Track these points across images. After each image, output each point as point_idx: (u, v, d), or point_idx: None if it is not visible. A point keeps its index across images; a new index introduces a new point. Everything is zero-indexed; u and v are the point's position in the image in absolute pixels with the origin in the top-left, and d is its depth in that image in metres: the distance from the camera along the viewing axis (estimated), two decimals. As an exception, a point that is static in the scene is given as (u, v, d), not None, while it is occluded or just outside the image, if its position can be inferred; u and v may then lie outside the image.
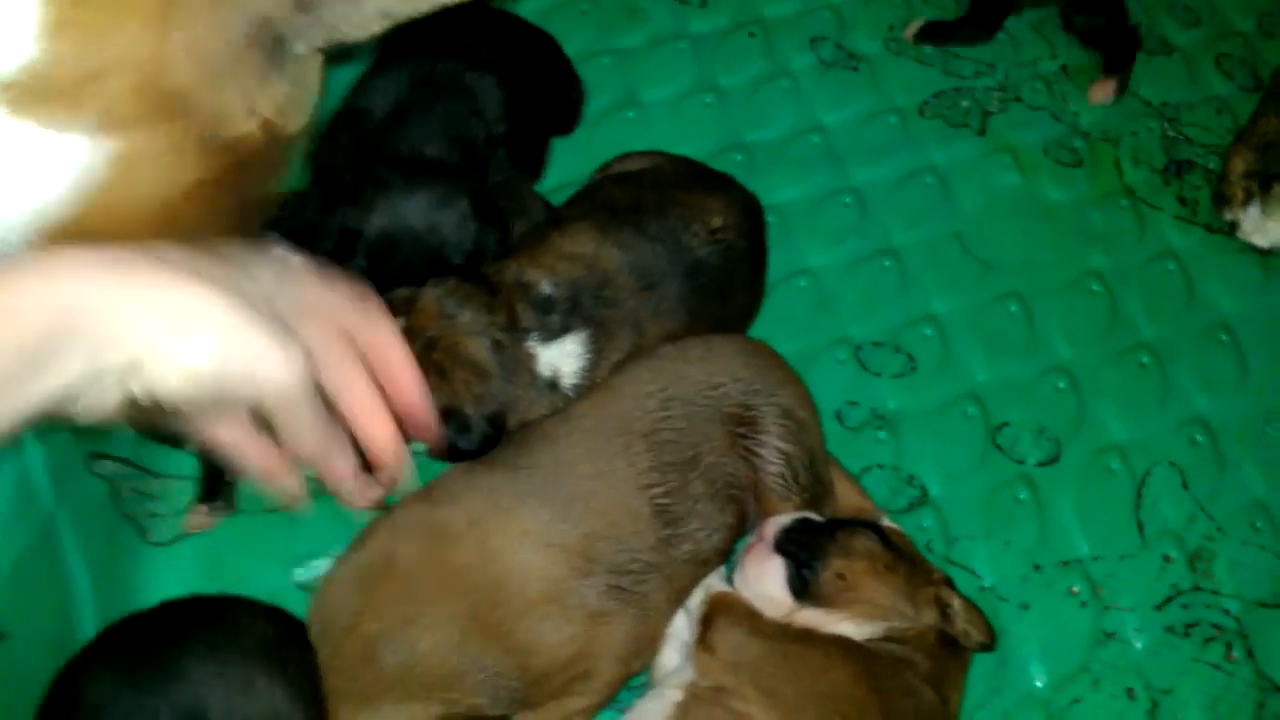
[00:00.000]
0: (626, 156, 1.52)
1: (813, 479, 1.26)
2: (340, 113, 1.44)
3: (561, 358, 1.24)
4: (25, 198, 0.69)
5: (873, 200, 1.67)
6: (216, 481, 1.29)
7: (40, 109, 0.66)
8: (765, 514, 1.22)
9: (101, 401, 0.65)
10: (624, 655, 1.14)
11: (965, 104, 1.77)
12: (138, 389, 0.64)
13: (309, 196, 1.40)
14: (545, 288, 1.25)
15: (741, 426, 1.25)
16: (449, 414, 1.18)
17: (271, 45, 0.74)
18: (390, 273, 1.26)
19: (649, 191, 1.38)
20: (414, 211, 1.28)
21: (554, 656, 1.10)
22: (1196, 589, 1.39)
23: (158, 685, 1.01)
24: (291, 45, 0.77)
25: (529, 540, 1.12)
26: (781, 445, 1.24)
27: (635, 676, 1.21)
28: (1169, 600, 1.38)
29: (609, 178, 1.46)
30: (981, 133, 1.75)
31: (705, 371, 1.25)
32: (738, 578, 1.19)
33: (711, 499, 1.21)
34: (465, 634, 1.06)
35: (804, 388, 1.32)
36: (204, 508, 1.28)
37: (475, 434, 1.19)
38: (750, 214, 1.43)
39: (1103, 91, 1.77)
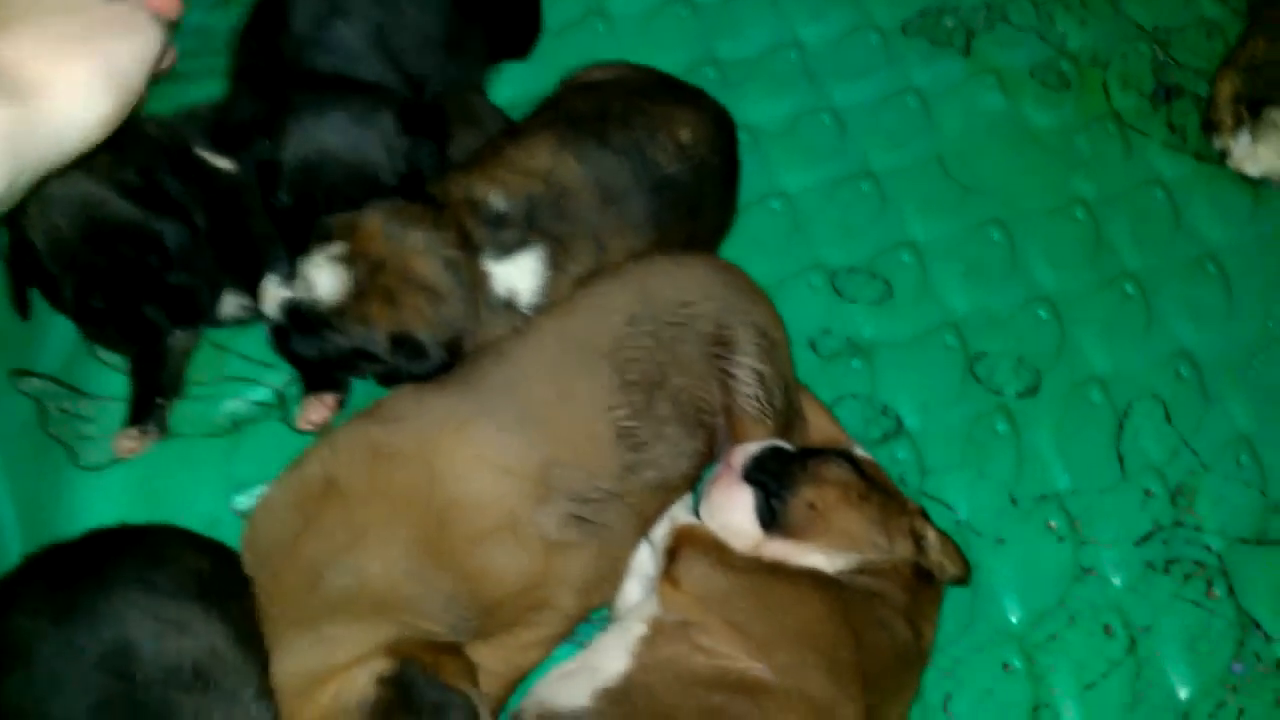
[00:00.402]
0: (592, 68, 1.43)
1: (786, 403, 1.20)
2: (254, 13, 1.35)
3: (518, 275, 1.17)
4: None
5: (851, 121, 1.59)
6: (147, 402, 1.22)
7: None
8: (736, 440, 1.16)
9: None
10: (582, 587, 1.08)
11: (949, 22, 1.69)
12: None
13: (234, 98, 1.31)
14: (497, 203, 1.17)
15: (717, 346, 1.18)
16: (401, 340, 1.11)
17: None
18: (318, 203, 1.17)
19: (614, 100, 1.30)
20: (332, 133, 1.17)
21: (507, 586, 1.03)
22: (1178, 524, 1.34)
23: (84, 623, 0.94)
24: None
25: (482, 465, 1.05)
26: (756, 365, 1.18)
27: (596, 610, 1.15)
28: (1149, 536, 1.33)
29: (572, 87, 1.38)
30: (966, 53, 1.67)
31: (675, 288, 1.19)
32: (704, 507, 1.13)
33: (679, 422, 1.14)
34: (414, 558, 1.00)
35: (775, 309, 1.26)
36: (134, 430, 1.20)
37: (431, 361, 1.12)
38: (722, 128, 1.35)
39: None
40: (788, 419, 1.19)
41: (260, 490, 1.17)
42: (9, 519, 1.12)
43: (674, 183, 1.26)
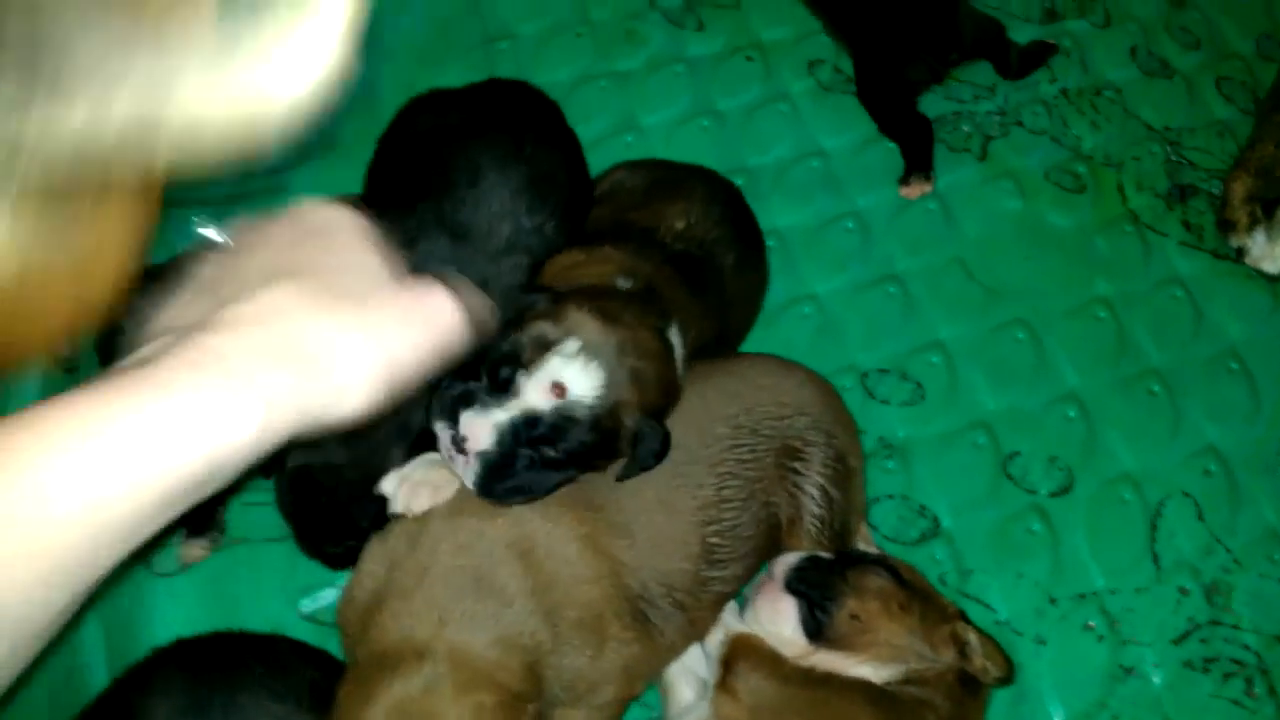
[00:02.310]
0: (599, 178, 1.48)
1: (844, 529, 1.22)
2: None
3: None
4: None
5: (875, 226, 1.64)
6: (203, 512, 1.25)
7: None
8: (785, 550, 1.18)
9: None
10: (624, 680, 1.09)
11: (966, 129, 1.75)
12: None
13: None
14: (624, 284, 1.19)
15: (793, 461, 1.20)
16: (644, 429, 1.09)
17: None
18: (314, 513, 1.18)
19: (609, 215, 1.36)
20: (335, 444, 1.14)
21: (569, 664, 1.05)
22: (1215, 623, 1.35)
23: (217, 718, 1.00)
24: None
25: (585, 547, 1.08)
26: (829, 489, 1.20)
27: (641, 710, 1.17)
28: (1187, 635, 1.35)
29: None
30: (982, 157, 1.72)
31: (774, 400, 1.21)
32: (749, 617, 1.15)
33: (756, 539, 1.17)
34: (506, 624, 1.02)
35: (858, 435, 1.29)
36: (199, 540, 1.24)
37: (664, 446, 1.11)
38: (716, 200, 1.38)
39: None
40: (841, 541, 1.21)
41: (325, 594, 1.26)
42: (91, 622, 1.16)
43: (687, 260, 1.28)
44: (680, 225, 1.31)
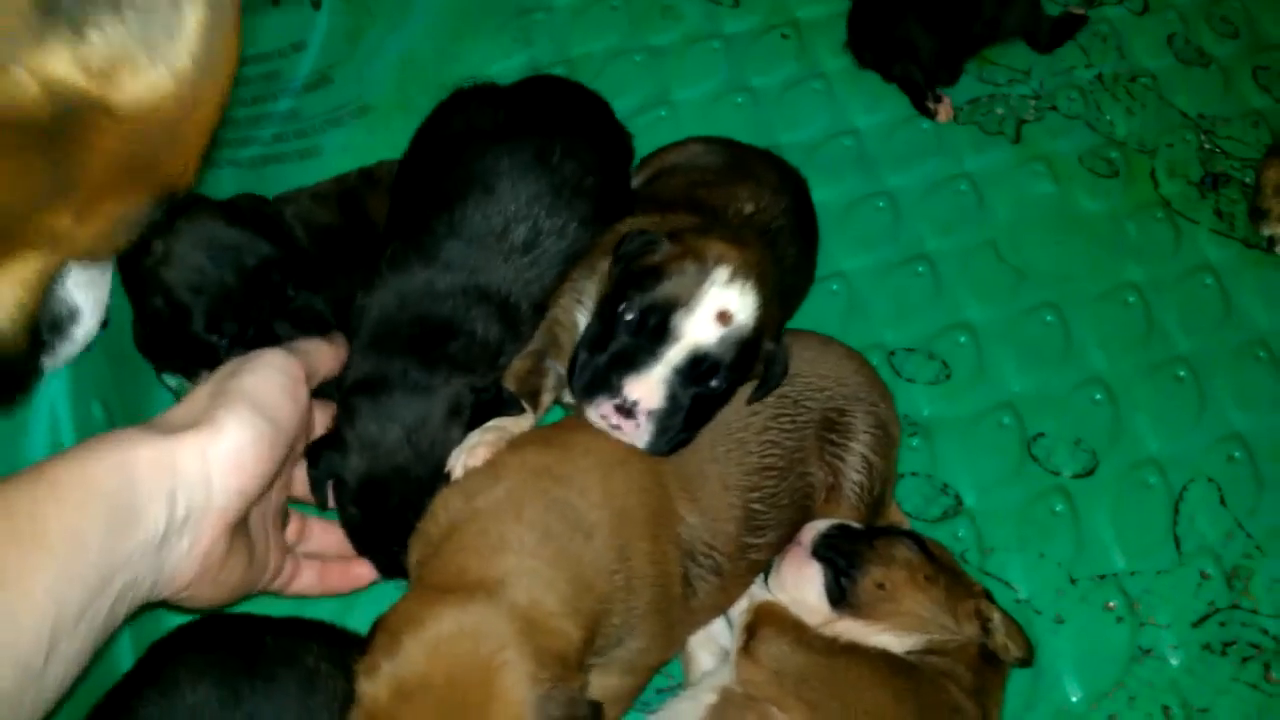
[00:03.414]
0: (666, 150, 1.50)
1: (881, 495, 1.23)
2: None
3: None
4: None
5: (905, 205, 1.65)
6: None
7: None
8: (820, 517, 1.20)
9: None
10: (663, 641, 1.10)
11: (1000, 111, 1.75)
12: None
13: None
14: None
15: (831, 431, 1.22)
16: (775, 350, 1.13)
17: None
18: (387, 515, 1.13)
19: (682, 187, 1.37)
20: (400, 448, 1.12)
21: (620, 618, 1.03)
22: (1234, 607, 1.36)
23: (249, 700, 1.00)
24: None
25: (632, 492, 1.07)
26: (869, 455, 1.22)
27: (661, 679, 1.18)
28: (1206, 618, 1.35)
29: (655, 173, 1.45)
30: (1016, 140, 1.72)
31: (816, 373, 1.22)
32: (774, 582, 1.16)
33: (793, 509, 1.18)
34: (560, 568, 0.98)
35: (895, 408, 1.30)
36: None
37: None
38: (784, 191, 1.40)
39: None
40: (876, 510, 1.23)
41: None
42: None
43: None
44: (749, 209, 1.33)
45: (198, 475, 0.84)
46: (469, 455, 1.07)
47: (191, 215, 1.17)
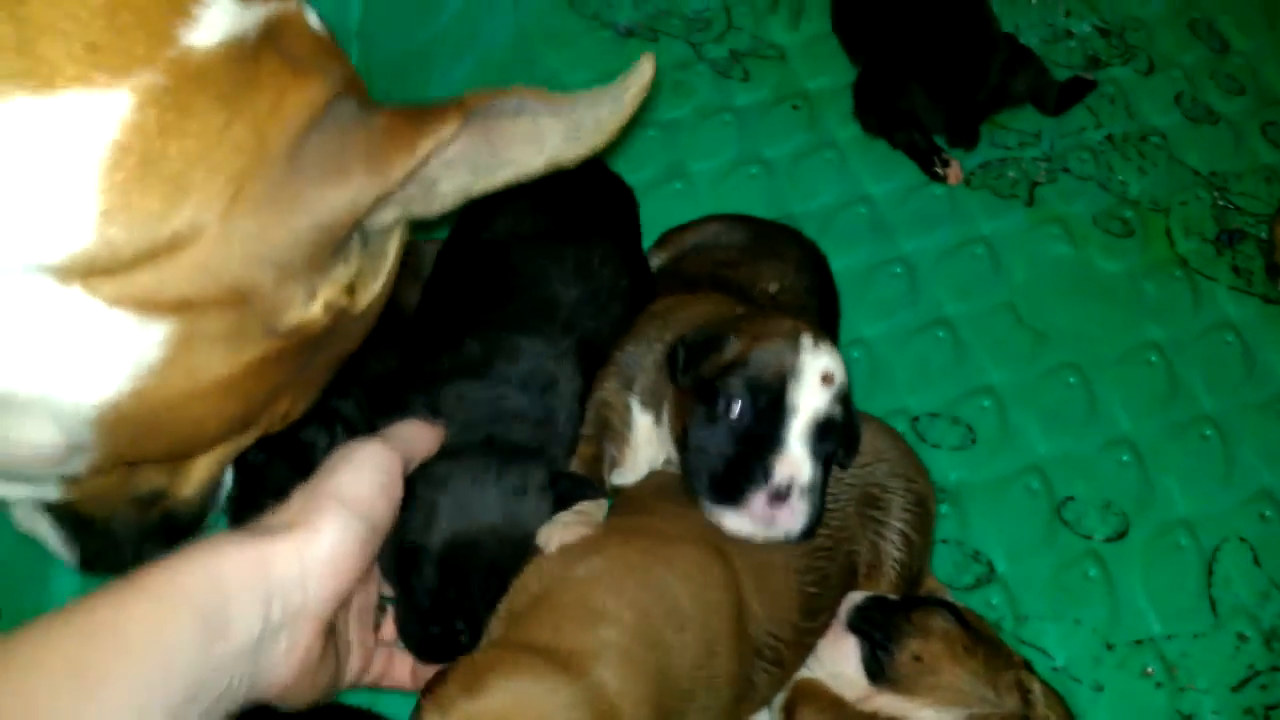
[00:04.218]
0: (684, 229, 1.51)
1: (919, 573, 1.22)
2: None
3: None
4: (86, 380, 0.70)
5: (922, 270, 1.65)
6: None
7: (99, 289, 0.66)
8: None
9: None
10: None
11: (1012, 174, 1.76)
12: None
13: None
14: None
15: (872, 509, 1.21)
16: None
17: (346, 233, 0.75)
18: (469, 581, 1.06)
19: (707, 266, 1.37)
20: (487, 511, 1.07)
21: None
22: (1275, 669, 1.34)
23: None
24: (365, 229, 0.79)
25: (707, 585, 1.04)
26: (909, 532, 1.21)
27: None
28: (1246, 681, 1.33)
29: (677, 254, 1.46)
30: (1030, 203, 1.73)
31: (859, 450, 1.20)
32: (811, 658, 1.15)
33: (839, 588, 1.17)
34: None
35: (931, 482, 1.30)
36: None
37: None
38: (807, 270, 1.41)
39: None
40: (914, 585, 1.22)
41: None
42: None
43: None
44: (774, 289, 1.34)
45: (294, 579, 0.83)
46: (564, 530, 1.05)
47: None
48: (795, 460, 1.03)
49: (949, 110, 1.74)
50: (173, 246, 0.66)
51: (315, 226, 0.71)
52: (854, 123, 1.80)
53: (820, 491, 1.06)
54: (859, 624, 1.13)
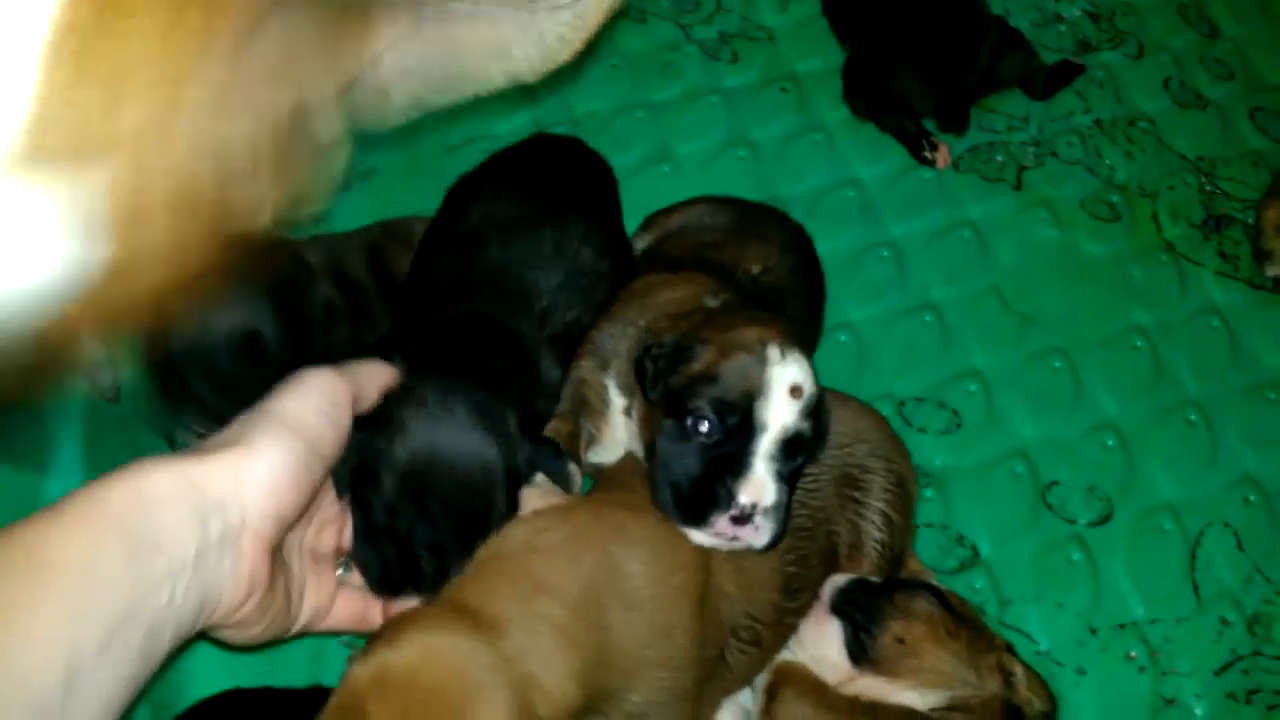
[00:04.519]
0: (671, 211, 1.50)
1: (901, 551, 1.22)
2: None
3: None
4: (20, 279, 0.66)
5: (910, 254, 1.65)
6: None
7: (38, 176, 0.62)
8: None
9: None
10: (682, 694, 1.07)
11: (1000, 158, 1.76)
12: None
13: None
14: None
15: (852, 489, 1.21)
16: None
17: (293, 138, 0.71)
18: (419, 511, 1.03)
19: (689, 247, 1.37)
20: (450, 437, 1.04)
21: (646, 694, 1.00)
22: (1257, 654, 1.35)
23: None
24: (315, 135, 0.74)
25: (674, 567, 1.04)
26: (889, 512, 1.21)
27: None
28: (1229, 665, 1.34)
29: (662, 236, 1.45)
30: (1017, 187, 1.73)
31: (834, 430, 1.19)
32: (794, 641, 1.15)
33: (818, 568, 1.17)
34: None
35: (912, 464, 1.30)
36: None
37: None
38: (791, 252, 1.41)
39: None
40: (896, 566, 1.22)
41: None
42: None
43: (763, 303, 1.30)
44: (757, 269, 1.33)
45: (231, 495, 0.82)
46: (540, 495, 1.06)
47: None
48: (759, 484, 1.03)
49: (939, 94, 1.73)
50: (113, 145, 0.63)
51: (261, 130, 0.67)
52: (843, 105, 1.79)
53: (785, 508, 1.05)
54: (842, 606, 1.13)
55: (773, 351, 1.05)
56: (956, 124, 1.74)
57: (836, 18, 1.85)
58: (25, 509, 1.02)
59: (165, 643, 0.78)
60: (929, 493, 1.42)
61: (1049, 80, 1.80)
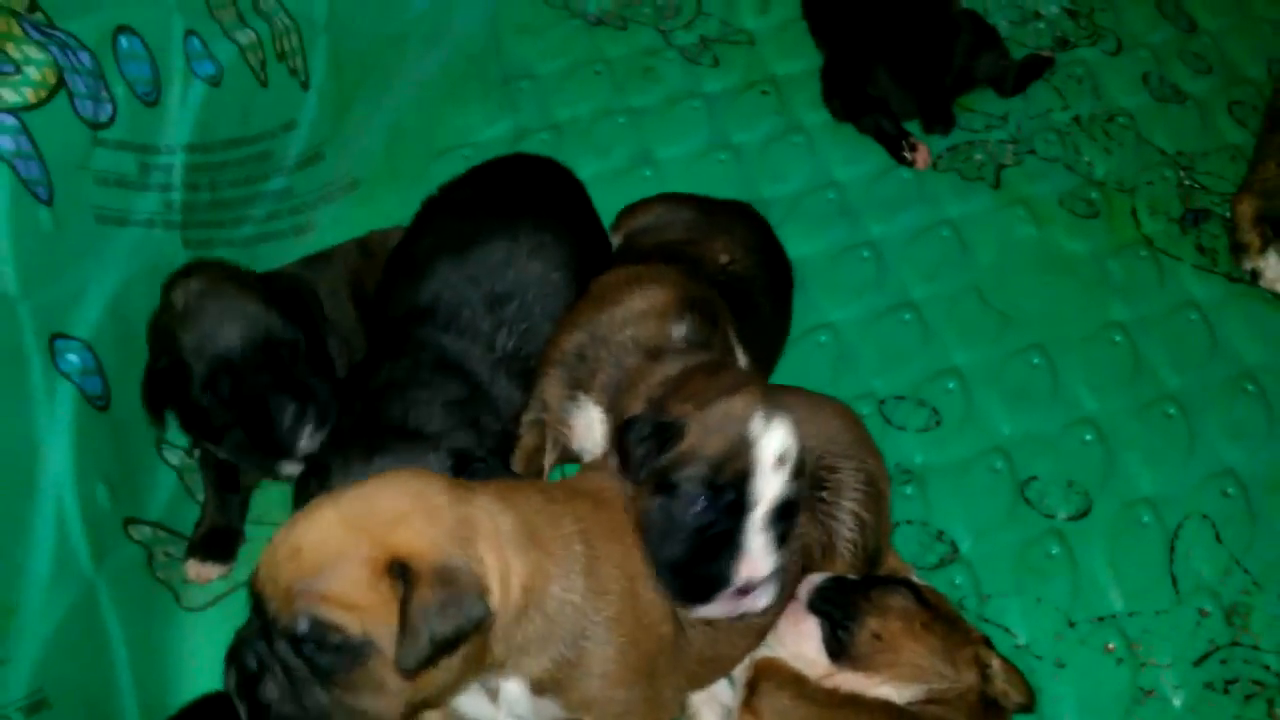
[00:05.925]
0: (634, 209, 1.52)
1: (875, 550, 1.23)
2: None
3: None
4: None
5: (890, 254, 1.67)
6: (220, 537, 1.31)
7: None
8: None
9: None
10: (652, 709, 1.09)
11: (979, 157, 1.77)
12: None
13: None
14: None
15: (821, 490, 1.22)
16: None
17: None
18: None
19: (652, 244, 1.40)
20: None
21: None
22: (1235, 644, 1.36)
23: None
24: None
25: None
26: (860, 512, 1.22)
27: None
28: (1207, 656, 1.35)
29: (630, 234, 1.47)
30: (996, 185, 1.74)
31: (804, 432, 1.15)
32: (773, 637, 1.17)
33: (790, 569, 1.18)
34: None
35: (884, 463, 1.31)
36: (211, 564, 1.29)
37: None
38: (754, 249, 1.42)
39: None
40: (873, 563, 1.23)
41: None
42: (122, 659, 1.18)
43: (728, 290, 1.32)
44: (724, 260, 1.36)
45: None
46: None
47: (218, 282, 1.22)
48: (757, 560, 1.03)
49: (919, 95, 1.75)
50: None
51: None
52: (823, 108, 1.81)
53: (783, 569, 1.06)
54: (819, 604, 1.15)
55: (756, 424, 1.04)
56: (941, 123, 1.76)
57: (814, 21, 1.87)
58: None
59: None
60: (909, 490, 1.43)
61: (1019, 76, 1.81)
